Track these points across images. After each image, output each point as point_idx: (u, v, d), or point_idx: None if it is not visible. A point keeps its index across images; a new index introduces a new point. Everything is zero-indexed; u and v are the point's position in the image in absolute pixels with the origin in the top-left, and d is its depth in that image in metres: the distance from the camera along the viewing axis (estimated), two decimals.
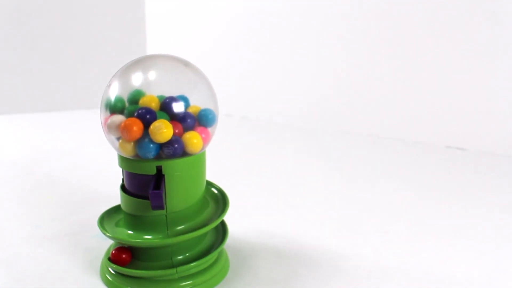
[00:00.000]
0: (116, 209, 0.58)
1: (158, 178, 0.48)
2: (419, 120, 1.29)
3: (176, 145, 0.48)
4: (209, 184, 0.59)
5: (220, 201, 0.57)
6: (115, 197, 0.69)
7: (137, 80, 0.52)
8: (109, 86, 0.51)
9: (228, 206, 0.54)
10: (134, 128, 0.46)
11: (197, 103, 0.52)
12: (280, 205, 0.80)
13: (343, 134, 1.39)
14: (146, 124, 0.47)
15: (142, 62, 0.52)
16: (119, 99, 0.51)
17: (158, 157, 0.48)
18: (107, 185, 0.88)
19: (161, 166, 0.48)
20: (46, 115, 1.68)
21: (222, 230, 0.57)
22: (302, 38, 1.51)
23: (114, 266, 0.51)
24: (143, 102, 0.50)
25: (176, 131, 0.48)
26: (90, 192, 0.85)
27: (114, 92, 0.51)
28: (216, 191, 0.59)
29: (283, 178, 0.95)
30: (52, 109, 1.74)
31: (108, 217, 0.56)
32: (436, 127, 1.26)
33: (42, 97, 1.74)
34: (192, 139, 0.49)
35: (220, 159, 1.04)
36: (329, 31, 1.43)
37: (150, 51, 1.94)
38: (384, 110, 1.35)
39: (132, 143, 0.48)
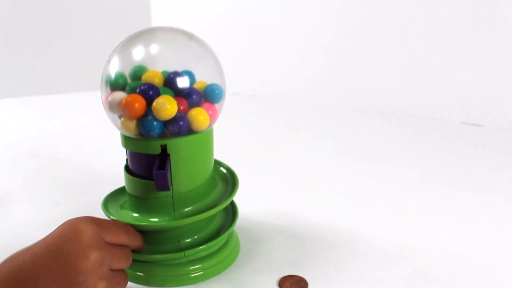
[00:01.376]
0: (120, 191, 0.56)
1: (163, 157, 0.45)
2: (433, 96, 1.25)
3: (181, 122, 0.45)
4: (218, 163, 0.56)
5: (229, 181, 0.54)
6: (119, 179, 0.66)
7: (138, 54, 0.49)
8: (109, 61, 0.48)
9: (237, 186, 0.52)
10: (136, 105, 0.44)
11: (203, 78, 0.49)
12: (291, 184, 0.77)
13: (354, 111, 1.36)
14: (149, 101, 0.44)
15: (144, 35, 0.49)
16: (120, 75, 0.48)
17: (163, 135, 0.46)
18: (110, 167, 0.86)
19: (165, 145, 0.45)
20: (48, 97, 1.65)
21: (231, 211, 0.55)
22: (313, 11, 1.47)
23: None
24: (145, 77, 0.47)
25: (181, 107, 0.45)
26: (93, 174, 0.82)
27: (115, 67, 0.48)
28: (225, 171, 0.56)
29: (293, 157, 0.93)
30: (54, 91, 1.72)
31: (113, 200, 0.54)
32: (451, 103, 1.23)
33: (44, 79, 1.72)
34: (198, 115, 0.46)
35: (227, 138, 1.01)
36: (340, 5, 1.39)
37: (155, 24, 1.90)
38: (397, 85, 1.31)
39: (134, 121, 0.45)
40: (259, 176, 0.80)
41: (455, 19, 1.17)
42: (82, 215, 0.63)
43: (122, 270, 0.42)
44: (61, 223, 0.57)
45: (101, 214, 0.63)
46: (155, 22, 1.89)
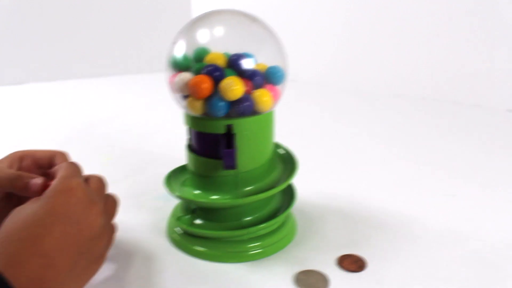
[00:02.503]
0: (181, 169, 0.57)
1: (229, 137, 0.47)
2: (477, 83, 1.23)
3: (246, 103, 0.46)
4: (277, 145, 0.57)
5: (288, 162, 0.55)
6: (172, 158, 0.68)
7: (202, 37, 0.50)
8: (174, 43, 0.49)
9: (297, 168, 0.53)
10: (204, 85, 0.45)
11: (265, 60, 0.50)
12: (344, 167, 0.78)
13: (396, 97, 1.35)
14: (215, 81, 0.45)
15: (207, 18, 0.50)
16: (185, 57, 0.49)
17: (227, 115, 0.47)
18: (162, 148, 0.88)
19: (231, 125, 0.46)
20: (100, 80, 1.69)
21: (290, 192, 0.56)
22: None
23: None
24: (208, 59, 0.48)
25: (246, 88, 0.46)
26: (146, 154, 0.85)
27: (180, 49, 0.49)
28: (283, 152, 0.57)
29: (345, 141, 0.93)
30: (105, 74, 1.75)
31: (174, 177, 0.56)
32: (496, 90, 1.21)
33: (97, 62, 1.76)
34: (262, 96, 0.47)
35: (280, 122, 1.02)
36: None
37: (194, 7, 1.90)
38: (441, 72, 1.30)
39: (201, 101, 0.46)
40: (312, 159, 0.81)
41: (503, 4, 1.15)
42: (139, 192, 0.65)
43: (109, 197, 0.46)
44: (119, 201, 0.59)
45: (157, 191, 0.66)
46: (195, 7, 1.90)
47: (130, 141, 0.94)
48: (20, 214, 0.37)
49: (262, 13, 0.54)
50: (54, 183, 0.40)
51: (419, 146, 0.89)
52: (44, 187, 0.46)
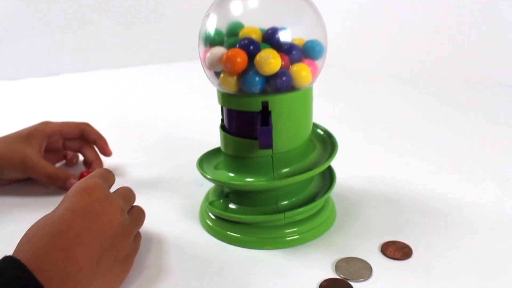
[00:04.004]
0: (214, 152, 0.55)
1: (265, 114, 0.44)
2: None
3: (284, 78, 0.43)
4: (315, 126, 0.54)
5: (327, 143, 0.52)
6: (206, 143, 0.66)
7: (236, 10, 0.47)
8: (207, 16, 0.47)
9: (337, 149, 0.49)
10: (238, 59, 0.42)
11: (303, 34, 0.47)
12: (385, 150, 0.74)
13: (439, 80, 1.29)
14: (250, 56, 0.43)
15: None
16: (217, 31, 0.46)
17: (264, 91, 0.44)
18: (193, 133, 0.86)
19: (267, 102, 0.44)
20: (126, 70, 1.69)
21: (329, 175, 0.53)
22: None
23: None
24: (243, 34, 0.46)
25: (283, 63, 0.43)
26: (178, 140, 0.83)
27: (212, 24, 0.47)
28: (322, 133, 0.54)
29: (385, 124, 0.89)
30: (131, 64, 1.76)
31: (207, 160, 0.53)
32: None
33: (124, 52, 1.76)
34: (301, 71, 0.44)
35: (318, 105, 0.99)
36: None
37: None
38: (486, 54, 1.24)
39: (235, 77, 0.44)
40: (351, 142, 0.77)
41: None
42: (171, 177, 0.63)
43: (136, 206, 0.47)
44: (152, 185, 0.58)
45: (190, 176, 0.64)
46: None
47: (162, 127, 0.92)
48: (43, 218, 0.38)
49: None
50: (75, 184, 0.41)
51: (464, 129, 0.84)
52: None
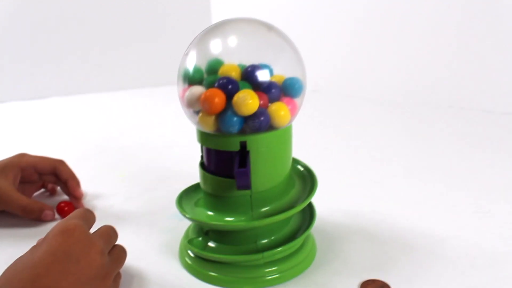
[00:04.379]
0: (194, 188, 0.55)
1: (243, 154, 0.43)
2: (509, 91, 1.18)
3: (262, 118, 0.43)
4: (294, 161, 0.54)
5: (307, 179, 0.52)
6: (187, 175, 0.65)
7: (215, 47, 0.48)
8: (186, 55, 0.47)
9: (316, 185, 0.49)
10: (216, 99, 0.42)
11: (282, 71, 0.47)
12: (365, 182, 0.74)
13: (422, 106, 1.30)
14: (228, 95, 0.42)
15: (220, 27, 0.47)
16: (197, 69, 0.46)
17: (242, 131, 0.44)
18: (178, 163, 0.85)
19: (245, 142, 0.43)
20: (112, 94, 1.68)
21: (309, 212, 0.52)
22: (392, 9, 1.42)
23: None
24: (222, 71, 0.46)
25: (261, 102, 0.43)
26: (162, 170, 0.82)
27: (192, 61, 0.47)
28: (302, 169, 0.53)
29: (364, 154, 0.89)
30: (119, 88, 1.75)
31: (187, 196, 0.53)
32: None
33: (109, 76, 1.76)
34: (279, 111, 0.44)
35: (296, 134, 0.99)
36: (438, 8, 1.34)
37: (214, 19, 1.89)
38: (468, 80, 1.25)
39: (213, 117, 0.43)
40: (330, 174, 0.77)
41: None
42: (152, 211, 0.63)
43: (117, 246, 0.46)
44: (132, 218, 0.58)
45: (171, 209, 0.63)
46: (215, 19, 1.88)
47: (144, 156, 0.91)
48: (21, 258, 0.38)
49: (277, 22, 0.51)
50: (54, 226, 0.41)
51: (446, 158, 0.84)
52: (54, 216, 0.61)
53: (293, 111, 0.46)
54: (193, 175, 0.61)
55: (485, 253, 0.52)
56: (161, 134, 1.10)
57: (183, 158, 0.88)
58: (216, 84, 0.43)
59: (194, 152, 0.90)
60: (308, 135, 1.02)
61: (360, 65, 1.51)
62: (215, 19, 1.90)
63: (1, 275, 0.36)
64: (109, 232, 0.46)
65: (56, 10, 1.61)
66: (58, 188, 0.73)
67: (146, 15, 1.78)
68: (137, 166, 0.85)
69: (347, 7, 1.49)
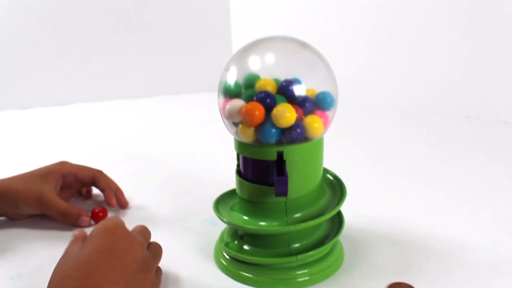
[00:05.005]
0: (229, 194, 0.58)
1: (280, 164, 0.47)
2: None
3: (298, 130, 0.46)
4: (325, 171, 0.57)
5: (336, 188, 0.55)
6: (217, 182, 0.69)
7: (253, 63, 0.51)
8: (227, 70, 0.50)
9: (345, 194, 0.52)
10: (256, 112, 0.45)
11: (315, 85, 0.50)
12: (387, 190, 0.77)
13: (441, 115, 1.32)
14: (267, 109, 0.46)
15: (258, 45, 0.51)
16: (236, 84, 0.50)
17: (279, 142, 0.47)
18: (207, 170, 0.89)
19: (282, 152, 0.47)
20: (141, 100, 1.72)
21: (337, 218, 0.55)
22: (411, 22, 1.45)
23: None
24: (259, 85, 0.49)
25: (297, 115, 0.46)
26: (192, 176, 0.85)
27: (232, 76, 0.50)
28: (331, 178, 0.57)
29: (389, 164, 0.92)
30: (146, 94, 1.79)
31: (222, 201, 0.56)
32: None
33: (140, 82, 1.80)
34: (314, 123, 0.47)
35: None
36: (451, 19, 1.37)
37: (234, 38, 1.94)
38: (487, 91, 1.27)
39: (253, 128, 0.47)
40: (356, 183, 0.80)
41: None
42: (185, 216, 0.66)
43: (153, 242, 0.50)
44: (166, 223, 0.62)
45: (203, 215, 0.66)
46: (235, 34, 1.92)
47: (174, 162, 0.95)
48: (70, 255, 0.42)
49: (308, 38, 0.55)
50: (97, 225, 0.45)
51: (468, 168, 0.87)
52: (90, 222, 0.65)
53: (326, 124, 0.49)
54: (222, 182, 0.64)
55: (504, 260, 0.54)
56: (188, 141, 1.13)
57: (211, 165, 0.92)
58: (255, 98, 0.46)
59: (221, 159, 0.94)
60: (331, 144, 1.05)
61: (378, 76, 1.53)
62: (235, 31, 1.94)
63: (53, 274, 0.40)
64: (144, 230, 0.50)
65: (83, 16, 1.66)
66: (94, 192, 0.77)
67: (170, 25, 1.82)
68: (167, 172, 0.88)
69: (362, 21, 1.52)
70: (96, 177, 0.71)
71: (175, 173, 0.87)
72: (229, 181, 0.58)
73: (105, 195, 0.71)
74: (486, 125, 1.20)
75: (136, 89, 1.77)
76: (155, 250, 0.49)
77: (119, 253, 0.41)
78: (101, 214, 0.67)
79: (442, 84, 1.37)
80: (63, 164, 0.70)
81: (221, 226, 0.61)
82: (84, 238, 0.47)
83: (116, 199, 0.71)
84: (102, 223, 0.45)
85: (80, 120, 1.44)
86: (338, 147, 1.03)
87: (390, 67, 1.49)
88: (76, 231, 0.50)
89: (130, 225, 0.49)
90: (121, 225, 0.45)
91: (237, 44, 1.88)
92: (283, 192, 0.45)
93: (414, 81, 1.43)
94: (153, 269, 0.46)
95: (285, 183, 0.44)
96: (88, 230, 0.47)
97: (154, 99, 1.73)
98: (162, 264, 0.52)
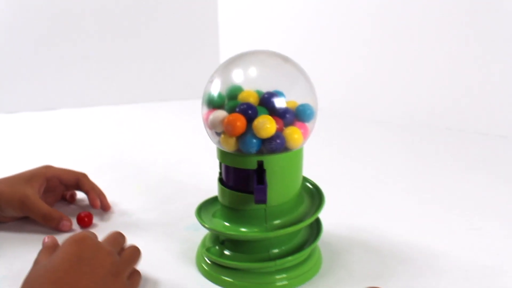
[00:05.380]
0: (211, 201, 0.60)
1: (260, 172, 0.49)
2: (506, 114, 1.23)
3: (278, 140, 0.48)
4: (304, 179, 0.59)
5: (315, 196, 0.57)
6: (201, 189, 0.70)
7: (237, 76, 0.53)
8: (211, 82, 0.52)
9: (324, 202, 0.55)
10: (238, 123, 0.47)
11: (296, 98, 0.52)
12: (367, 199, 0.79)
13: (420, 127, 1.36)
14: (248, 120, 0.48)
15: (242, 58, 0.53)
16: (219, 95, 0.52)
17: (259, 152, 0.49)
18: (191, 177, 0.90)
19: (262, 161, 0.49)
20: (128, 107, 1.73)
21: (316, 225, 0.58)
22: (391, 29, 1.48)
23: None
24: (241, 97, 0.51)
25: (277, 126, 0.48)
26: (176, 183, 0.87)
27: (215, 88, 0.52)
28: (311, 186, 0.59)
29: (366, 173, 0.94)
30: (133, 101, 1.80)
31: (204, 208, 0.58)
32: None
33: (124, 89, 1.81)
34: (293, 134, 0.49)
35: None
36: (439, 25, 1.40)
37: (222, 46, 1.96)
38: (467, 103, 1.30)
39: (234, 138, 0.49)
40: (333, 191, 0.81)
41: None
42: (169, 222, 0.68)
43: (130, 246, 0.52)
44: (150, 229, 0.64)
45: (187, 221, 0.68)
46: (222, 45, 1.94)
47: (159, 170, 0.96)
48: (40, 265, 0.44)
49: (287, 51, 0.57)
50: (67, 238, 0.47)
51: (444, 178, 0.90)
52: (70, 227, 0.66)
53: (305, 135, 0.51)
54: (206, 189, 0.66)
55: (476, 266, 0.57)
56: (173, 149, 1.15)
57: (195, 172, 0.93)
58: (237, 109, 0.49)
59: (206, 167, 0.95)
60: (313, 154, 1.07)
61: (360, 88, 1.56)
62: (222, 41, 1.96)
63: (23, 284, 0.42)
64: (116, 236, 0.52)
65: (71, 21, 1.66)
66: (78, 197, 0.78)
67: (158, 33, 1.83)
68: (152, 179, 0.90)
69: (346, 34, 1.55)
70: (80, 180, 0.72)
71: (160, 180, 0.89)
72: (212, 188, 0.60)
73: (89, 197, 0.72)
74: (465, 137, 1.23)
75: (124, 95, 1.78)
76: (130, 254, 0.50)
77: (87, 260, 0.44)
78: (86, 219, 0.68)
79: (424, 96, 1.40)
80: (47, 167, 0.71)
81: (204, 232, 0.63)
82: (54, 247, 0.49)
83: (99, 202, 0.72)
84: (71, 236, 0.47)
85: (66, 125, 1.45)
86: (319, 157, 1.05)
87: (372, 79, 1.52)
88: (46, 238, 0.52)
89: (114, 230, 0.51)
90: (89, 237, 0.47)
91: (224, 53, 1.90)
92: (262, 200, 0.47)
93: (396, 93, 1.46)
94: (124, 273, 0.47)
95: (264, 191, 0.46)
96: (66, 236, 0.49)
97: (141, 106, 1.74)
98: (144, 268, 0.54)
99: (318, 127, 0.54)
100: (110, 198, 0.75)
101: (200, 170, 0.95)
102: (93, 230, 0.67)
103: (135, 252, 0.51)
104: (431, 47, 1.35)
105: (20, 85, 1.64)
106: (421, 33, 1.37)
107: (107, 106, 1.71)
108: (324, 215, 0.59)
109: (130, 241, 0.62)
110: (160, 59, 1.84)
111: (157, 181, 0.89)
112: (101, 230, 0.66)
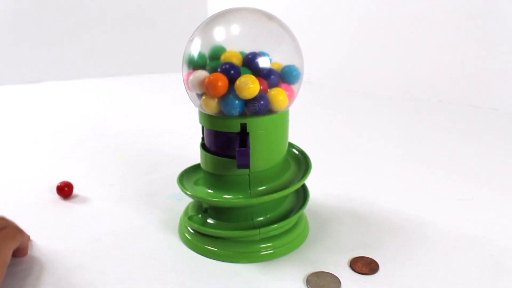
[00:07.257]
0: (194, 169, 0.57)
1: (243, 136, 0.46)
2: (494, 86, 1.22)
3: (262, 102, 0.46)
4: (290, 145, 0.57)
5: (301, 162, 0.55)
6: (184, 159, 0.68)
7: (218, 35, 0.50)
8: (191, 41, 0.49)
9: (310, 168, 0.52)
10: (219, 83, 0.45)
11: (281, 59, 0.49)
12: (357, 169, 0.77)
13: (411, 100, 1.34)
14: (231, 80, 0.45)
15: (224, 16, 0.50)
16: (201, 55, 0.49)
17: (242, 114, 0.46)
18: (175, 148, 0.88)
19: (245, 124, 0.46)
20: (112, 79, 1.70)
21: (303, 193, 0.55)
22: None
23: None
24: (224, 57, 0.48)
25: (261, 87, 0.46)
26: (158, 154, 0.85)
27: (196, 47, 0.49)
28: (297, 152, 0.56)
29: (358, 143, 0.93)
30: (117, 74, 1.77)
31: (187, 176, 0.56)
32: None
33: (106, 62, 1.77)
34: (278, 95, 0.47)
35: (293, 124, 1.02)
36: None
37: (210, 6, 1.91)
38: (458, 75, 1.29)
39: (216, 100, 0.46)
40: (324, 160, 0.80)
41: None
42: (151, 192, 0.65)
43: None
44: (131, 199, 0.60)
45: (170, 191, 0.66)
46: (211, 6, 1.90)
47: (143, 140, 0.94)
48: None
49: (278, 12, 0.54)
50: None
51: (433, 149, 0.88)
52: None
53: (291, 97, 0.49)
54: (190, 159, 0.63)
55: (466, 236, 0.55)
56: (157, 120, 1.12)
57: (179, 143, 0.91)
58: (219, 69, 0.46)
59: (190, 138, 0.93)
60: (302, 123, 1.05)
61: (353, 59, 1.54)
62: (211, 9, 1.92)
63: None
64: None
65: None
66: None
67: (143, 4, 1.80)
68: (135, 150, 0.87)
69: (343, 4, 1.52)
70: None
71: (144, 151, 0.87)
72: (197, 158, 0.58)
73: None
74: (457, 109, 1.22)
75: (108, 68, 1.75)
76: (4, 233, 0.46)
77: None
78: (66, 189, 0.66)
79: (416, 69, 1.38)
80: None
81: (187, 201, 0.60)
82: None
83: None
84: None
85: (50, 98, 1.42)
86: (308, 127, 1.03)
87: (364, 51, 1.50)
88: None
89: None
90: None
91: None
92: (245, 164, 0.44)
93: (388, 66, 1.44)
94: None
95: (246, 155, 0.44)
96: None
97: (125, 79, 1.71)
98: (124, 239, 0.52)
99: (303, 96, 0.52)
100: (92, 169, 0.72)
101: (185, 141, 0.92)
102: (73, 200, 0.65)
103: (12, 231, 0.47)
104: (423, 19, 1.33)
105: (3, 58, 1.60)
106: (414, 5, 1.34)
107: (92, 79, 1.68)
108: (311, 184, 0.57)
109: (110, 212, 0.60)
110: (145, 31, 1.81)
111: (141, 151, 0.86)
112: (83, 200, 0.64)
